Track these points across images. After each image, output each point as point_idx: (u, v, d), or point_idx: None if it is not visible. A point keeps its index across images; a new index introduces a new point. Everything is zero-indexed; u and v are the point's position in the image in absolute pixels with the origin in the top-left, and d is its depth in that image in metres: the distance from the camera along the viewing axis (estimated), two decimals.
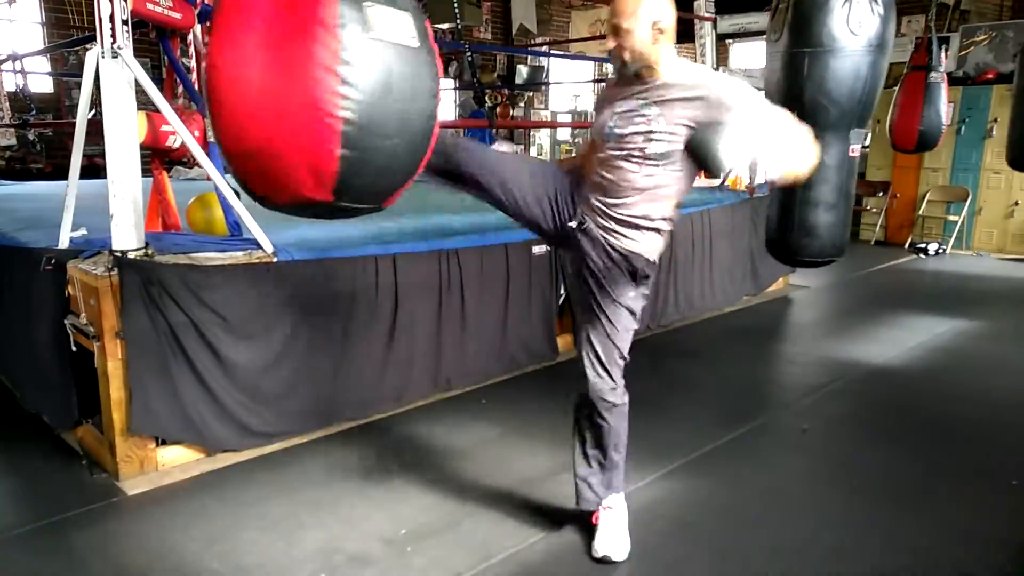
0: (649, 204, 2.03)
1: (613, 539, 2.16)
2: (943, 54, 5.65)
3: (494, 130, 8.52)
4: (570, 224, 2.09)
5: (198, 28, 3.02)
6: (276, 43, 1.55)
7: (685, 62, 2.02)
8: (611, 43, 1.95)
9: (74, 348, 2.70)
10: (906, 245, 7.68)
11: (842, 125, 2.61)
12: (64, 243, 2.85)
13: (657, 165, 1.98)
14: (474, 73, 4.35)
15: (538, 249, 3.78)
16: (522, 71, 11.90)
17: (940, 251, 7.45)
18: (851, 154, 2.68)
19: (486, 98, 7.85)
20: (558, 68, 11.83)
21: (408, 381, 3.31)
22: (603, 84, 2.27)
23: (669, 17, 1.92)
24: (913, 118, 5.32)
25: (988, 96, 7.33)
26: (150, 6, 2.67)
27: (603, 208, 2.05)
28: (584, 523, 2.27)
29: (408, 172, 1.74)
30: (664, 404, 3.26)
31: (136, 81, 2.55)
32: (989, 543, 2.28)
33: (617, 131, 2.00)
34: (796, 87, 2.59)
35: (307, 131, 1.56)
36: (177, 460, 2.71)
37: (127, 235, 2.57)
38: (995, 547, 2.26)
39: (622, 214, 2.04)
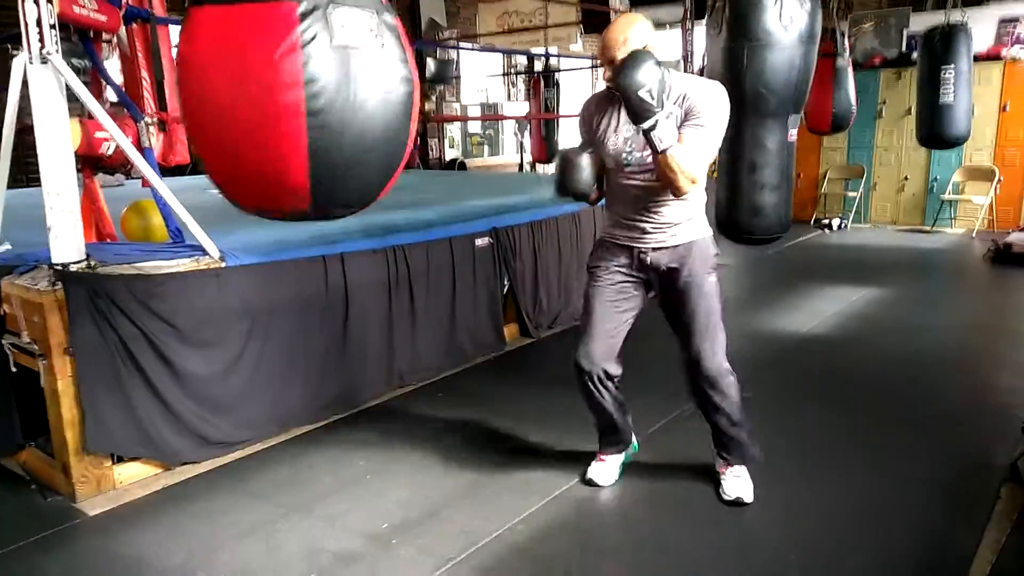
0: (684, 204, 2.24)
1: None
2: (846, 41, 6.06)
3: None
4: (654, 265, 2.31)
5: (123, 30, 2.92)
6: (240, 59, 1.55)
7: (680, 75, 2.21)
8: (608, 74, 2.11)
9: (13, 369, 2.57)
10: (811, 221, 8.16)
11: (780, 112, 2.80)
12: None
13: None
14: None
15: (481, 241, 3.84)
16: (430, 65, 11.87)
17: (842, 226, 7.96)
18: (789, 139, 2.88)
19: None
20: (467, 61, 11.86)
21: (362, 380, 3.31)
22: (587, 104, 2.39)
23: (653, 40, 2.13)
24: (826, 102, 5.69)
25: (877, 80, 7.87)
26: (76, 9, 2.57)
27: (652, 224, 2.27)
28: (560, 501, 2.36)
29: (384, 171, 1.76)
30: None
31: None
32: (921, 483, 2.51)
33: (637, 154, 2.20)
34: (737, 78, 2.76)
35: (274, 143, 1.57)
36: (135, 476, 2.63)
37: (67, 248, 2.47)
38: (929, 488, 2.49)
39: (672, 219, 2.25)
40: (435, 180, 6.62)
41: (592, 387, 2.40)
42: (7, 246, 2.83)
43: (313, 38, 1.52)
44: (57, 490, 2.55)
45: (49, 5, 2.37)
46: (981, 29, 7.45)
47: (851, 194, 8.07)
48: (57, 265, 2.44)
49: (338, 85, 1.56)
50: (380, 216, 3.71)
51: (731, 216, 3.04)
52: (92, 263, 2.51)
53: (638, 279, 2.36)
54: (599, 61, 2.13)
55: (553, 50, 10.40)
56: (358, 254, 3.25)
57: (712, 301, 2.31)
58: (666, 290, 2.35)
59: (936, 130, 5.68)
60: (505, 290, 4.05)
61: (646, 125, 2.02)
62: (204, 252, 2.76)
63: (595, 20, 8.96)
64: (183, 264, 2.69)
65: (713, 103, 2.14)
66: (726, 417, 2.42)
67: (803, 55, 2.71)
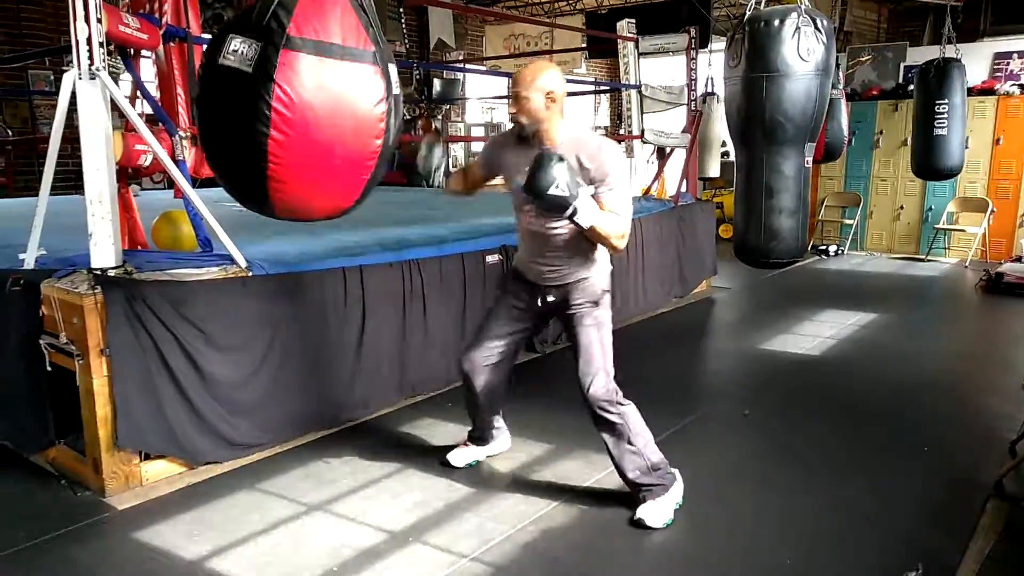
0: (579, 244, 2.41)
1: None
2: (840, 73, 6.26)
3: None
4: (545, 301, 2.53)
5: (161, 48, 3.07)
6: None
7: (576, 127, 2.41)
8: (512, 108, 2.34)
9: (49, 368, 2.69)
10: (809, 247, 8.33)
11: (798, 140, 2.93)
12: (30, 263, 2.83)
13: None
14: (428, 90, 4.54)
15: (492, 258, 3.98)
16: (436, 85, 12.08)
17: (839, 252, 8.14)
18: (806, 165, 3.02)
19: (404, 111, 8.02)
20: (473, 82, 12.08)
21: (375, 388, 3.43)
22: (493, 140, 2.60)
23: (560, 88, 2.31)
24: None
25: (874, 111, 8.09)
26: (122, 28, 2.72)
27: (548, 265, 2.47)
28: (570, 503, 2.49)
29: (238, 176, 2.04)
30: None
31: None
32: (913, 500, 2.64)
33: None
34: (757, 107, 2.91)
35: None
36: (161, 474, 2.75)
37: (107, 254, 2.61)
38: (919, 503, 2.62)
39: (566, 259, 2.45)
40: (442, 198, 6.76)
41: (467, 385, 2.70)
42: (42, 251, 2.97)
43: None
44: (87, 485, 2.66)
45: (99, 25, 2.53)
46: (976, 64, 7.69)
47: (848, 221, 8.26)
48: (96, 270, 2.58)
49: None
50: (395, 231, 3.86)
51: (749, 240, 3.17)
52: (129, 269, 2.65)
53: (533, 311, 2.59)
54: (511, 93, 2.36)
55: None
56: (375, 267, 3.39)
57: (595, 332, 2.46)
58: (560, 321, 2.60)
59: (930, 161, 5.87)
60: None
61: (567, 215, 2.19)
62: (232, 261, 2.90)
63: (601, 46, 9.17)
64: (212, 272, 2.83)
65: (614, 165, 2.32)
66: (620, 441, 2.46)
67: (819, 86, 2.86)
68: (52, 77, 7.16)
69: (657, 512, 2.42)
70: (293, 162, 1.90)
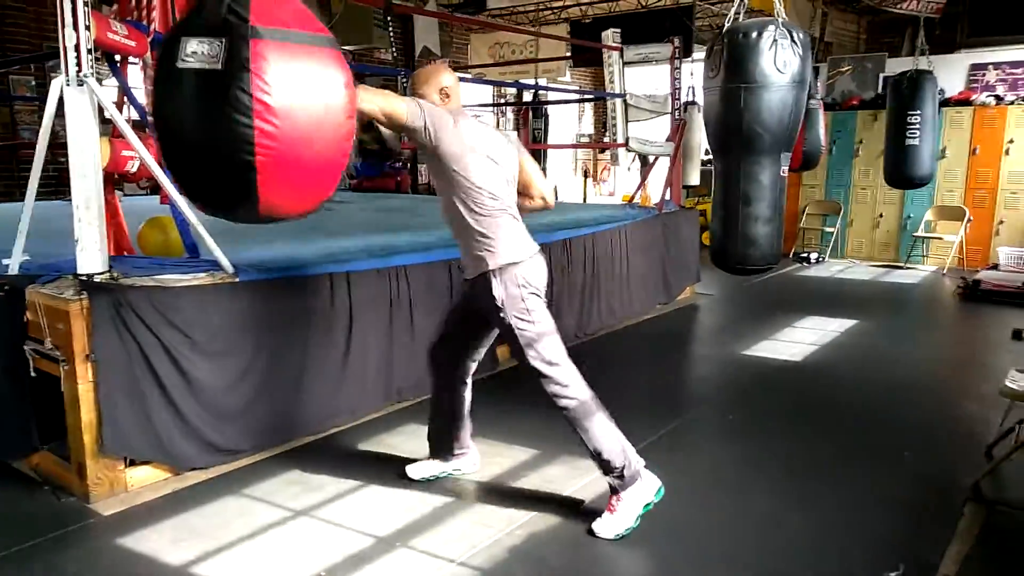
0: (461, 229, 2.45)
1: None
2: (818, 83, 6.36)
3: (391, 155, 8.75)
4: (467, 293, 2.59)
5: (149, 55, 3.07)
6: None
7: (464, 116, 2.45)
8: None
9: (33, 374, 2.67)
10: (790, 254, 8.44)
11: (775, 149, 2.99)
12: (15, 269, 2.82)
13: (444, 196, 2.45)
14: None
15: None
16: None
17: (820, 259, 8.24)
18: (782, 174, 3.07)
19: None
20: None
21: (363, 394, 3.44)
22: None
23: (451, 83, 2.48)
24: (797, 141, 5.95)
25: (854, 120, 8.21)
26: (110, 35, 2.73)
27: (459, 247, 2.54)
28: (557, 507, 2.52)
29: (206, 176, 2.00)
30: (608, 403, 3.54)
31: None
32: (893, 504, 2.69)
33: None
34: (735, 117, 2.96)
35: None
36: (146, 480, 2.74)
37: (93, 259, 2.60)
38: (899, 507, 2.67)
39: (460, 237, 2.48)
40: (427, 205, 6.78)
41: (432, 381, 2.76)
42: (26, 256, 2.95)
43: None
44: (71, 492, 2.65)
45: (87, 32, 2.53)
46: (952, 75, 7.85)
47: (828, 229, 8.36)
48: (82, 275, 2.57)
49: None
50: (382, 238, 3.88)
51: (726, 247, 3.21)
52: (115, 274, 2.64)
53: (469, 306, 2.63)
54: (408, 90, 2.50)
55: (543, 82, 10.67)
56: (363, 273, 3.40)
57: (518, 332, 2.42)
58: (488, 319, 2.55)
59: (902, 170, 5.99)
60: None
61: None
62: (219, 267, 2.90)
63: (585, 55, 9.25)
64: (199, 278, 2.83)
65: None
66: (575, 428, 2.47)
67: (795, 97, 2.92)
68: (33, 83, 7.12)
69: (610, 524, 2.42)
70: (280, 153, 1.87)
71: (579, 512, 2.59)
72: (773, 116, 2.91)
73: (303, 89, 1.89)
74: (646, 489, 2.47)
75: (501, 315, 2.42)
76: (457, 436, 2.80)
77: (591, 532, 2.41)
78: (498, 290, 2.39)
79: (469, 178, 2.37)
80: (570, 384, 2.44)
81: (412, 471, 2.82)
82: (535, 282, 2.46)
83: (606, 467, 2.45)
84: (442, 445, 2.82)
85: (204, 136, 1.89)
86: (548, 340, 2.44)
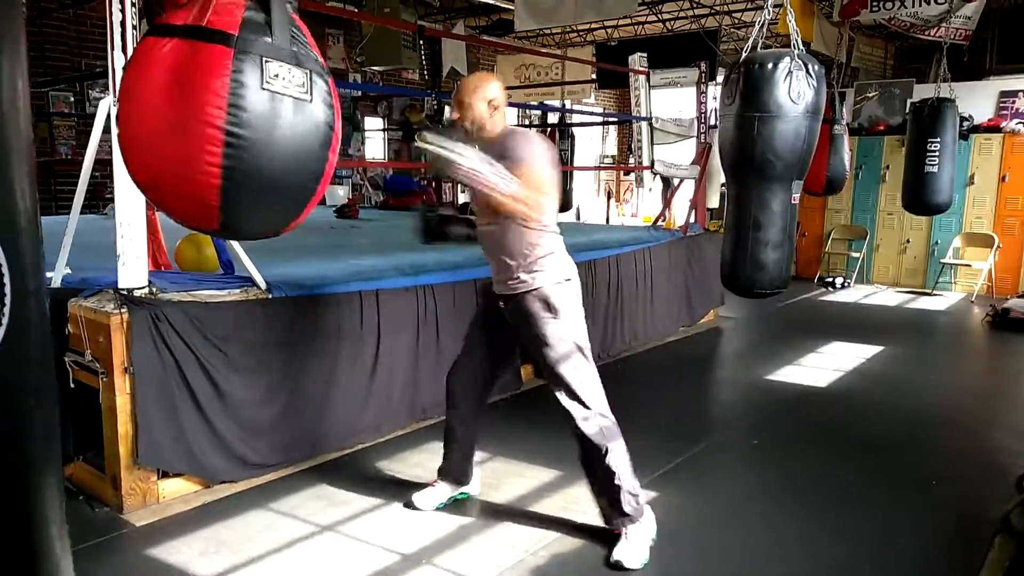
0: (516, 243, 2.42)
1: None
2: (843, 109, 6.36)
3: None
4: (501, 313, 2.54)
5: None
6: (173, 92, 1.73)
7: (512, 127, 2.49)
8: (455, 115, 2.43)
9: (72, 385, 2.74)
10: (815, 279, 8.39)
11: (786, 177, 3.03)
12: (57, 282, 2.90)
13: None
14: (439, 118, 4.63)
15: None
16: (447, 111, 12.27)
17: (845, 284, 8.18)
18: (792, 201, 3.11)
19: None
20: None
21: (388, 411, 3.48)
22: None
23: (500, 97, 2.42)
24: (821, 165, 5.97)
25: (881, 146, 8.19)
26: None
27: (498, 267, 2.50)
28: (581, 529, 2.53)
29: (292, 211, 1.97)
30: (628, 426, 3.54)
31: None
32: (921, 533, 2.66)
33: (474, 193, 2.44)
34: (749, 144, 3.01)
35: (189, 178, 1.76)
36: (177, 492, 2.79)
37: (134, 274, 2.67)
38: (928, 535, 2.65)
39: (509, 259, 2.45)
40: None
41: (448, 405, 2.73)
42: (67, 269, 3.04)
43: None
44: (105, 502, 2.70)
45: None
46: (982, 102, 7.81)
47: (854, 254, 8.31)
48: (123, 290, 2.65)
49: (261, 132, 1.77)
50: (410, 256, 3.93)
51: (736, 271, 3.26)
52: (154, 289, 2.71)
53: (498, 327, 2.59)
54: (454, 97, 2.48)
55: (567, 103, 10.76)
56: (391, 291, 3.46)
57: (555, 351, 2.41)
58: (522, 337, 2.53)
59: (920, 197, 5.95)
60: None
61: (444, 165, 2.22)
62: (253, 283, 2.97)
63: (611, 79, 9.33)
64: (234, 294, 2.90)
65: (524, 145, 2.36)
66: (593, 464, 2.45)
67: (808, 127, 2.97)
68: (72, 99, 7.33)
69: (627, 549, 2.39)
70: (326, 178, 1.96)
71: (603, 534, 2.59)
72: (786, 145, 2.96)
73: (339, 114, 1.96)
74: (650, 522, 2.49)
75: (548, 330, 2.41)
76: (471, 461, 2.80)
77: (615, 565, 2.36)
78: (557, 300, 2.41)
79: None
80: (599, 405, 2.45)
81: (421, 502, 2.74)
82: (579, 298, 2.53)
83: (616, 494, 2.42)
84: (457, 470, 2.79)
85: (293, 165, 1.84)
86: (585, 358, 2.45)
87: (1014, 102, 7.91)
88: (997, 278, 7.54)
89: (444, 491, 2.78)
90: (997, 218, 7.60)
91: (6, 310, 0.89)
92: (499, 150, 2.36)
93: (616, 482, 2.41)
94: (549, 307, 2.41)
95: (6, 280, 0.89)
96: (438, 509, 2.74)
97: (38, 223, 0.98)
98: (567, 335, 2.42)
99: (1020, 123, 7.56)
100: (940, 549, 2.57)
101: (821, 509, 2.83)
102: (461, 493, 2.82)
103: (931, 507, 2.88)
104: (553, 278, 2.43)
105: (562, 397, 2.43)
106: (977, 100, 7.68)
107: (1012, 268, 7.54)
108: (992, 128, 7.63)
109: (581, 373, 2.42)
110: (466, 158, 2.22)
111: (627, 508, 2.42)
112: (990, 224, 7.63)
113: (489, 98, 2.41)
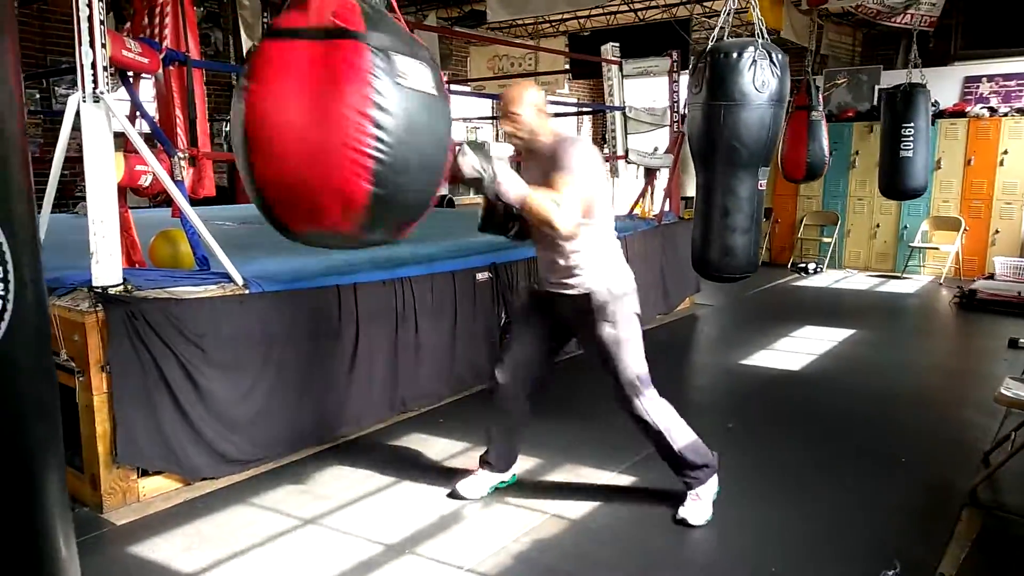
0: (575, 255, 2.49)
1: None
2: (819, 95, 6.45)
3: None
4: (555, 310, 2.61)
5: (160, 71, 3.14)
6: (315, 90, 1.74)
7: (564, 135, 2.51)
8: (507, 127, 2.46)
9: None
10: (788, 265, 8.51)
11: (752, 164, 3.10)
12: None
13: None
14: None
15: (482, 276, 4.07)
16: None
17: (818, 269, 8.31)
18: (759, 188, 3.17)
19: None
20: (457, 103, 12.20)
21: (368, 404, 3.49)
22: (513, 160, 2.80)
23: (540, 99, 2.47)
24: (801, 152, 6.06)
25: (850, 132, 8.31)
26: (124, 52, 2.79)
27: (552, 268, 2.55)
28: (561, 515, 2.57)
29: (423, 206, 1.98)
30: (607, 414, 3.58)
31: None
32: (892, 509, 2.74)
33: None
34: (715, 132, 3.08)
35: (340, 168, 1.75)
36: (158, 489, 2.78)
37: (108, 272, 2.66)
38: (897, 512, 2.72)
39: (564, 262, 2.50)
40: (431, 217, 6.84)
41: (497, 402, 2.76)
42: None
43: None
44: (84, 502, 2.69)
45: (103, 49, 2.60)
46: (947, 87, 7.96)
47: (826, 240, 8.44)
48: (98, 288, 2.63)
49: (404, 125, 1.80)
50: (387, 249, 3.93)
51: (704, 256, 3.35)
52: (129, 287, 2.70)
53: (548, 324, 2.67)
54: (500, 112, 2.51)
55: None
56: (369, 285, 3.46)
57: (614, 346, 2.52)
58: (576, 333, 2.66)
59: (896, 182, 6.07)
60: (503, 322, 4.26)
61: (487, 190, 2.28)
62: (229, 279, 2.96)
63: (584, 68, 9.35)
64: (210, 290, 2.88)
65: (572, 156, 2.38)
66: (654, 441, 2.63)
67: (773, 115, 3.05)
68: (37, 96, 7.19)
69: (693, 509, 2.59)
70: None
71: (584, 520, 2.64)
72: (751, 133, 3.03)
73: None
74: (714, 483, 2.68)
75: (598, 331, 2.52)
76: (516, 450, 2.86)
77: (681, 521, 2.56)
78: (606, 304, 2.51)
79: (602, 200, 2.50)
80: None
81: (466, 491, 2.77)
82: None
83: (683, 463, 2.60)
84: (501, 459, 2.82)
85: (431, 154, 1.87)
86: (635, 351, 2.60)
87: (978, 87, 8.07)
88: (964, 260, 7.71)
89: (488, 479, 2.81)
90: (963, 202, 7.76)
91: (10, 296, 0.93)
92: (550, 158, 2.40)
93: (673, 449, 2.60)
94: (598, 309, 2.50)
95: (10, 268, 0.93)
96: (482, 497, 2.78)
97: (34, 212, 1.02)
98: (626, 331, 2.54)
99: (984, 108, 7.72)
100: (910, 523, 2.64)
101: (792, 488, 2.90)
102: (502, 482, 2.85)
103: (901, 483, 2.96)
104: (612, 279, 2.52)
105: (617, 376, 2.55)
106: (943, 86, 7.82)
107: (978, 250, 7.71)
108: (957, 113, 7.78)
109: (631, 361, 2.55)
110: (505, 177, 2.27)
111: (691, 475, 2.61)
112: (957, 208, 7.79)
113: (536, 104, 2.44)
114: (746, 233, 3.25)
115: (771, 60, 2.99)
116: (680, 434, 2.61)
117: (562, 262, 2.51)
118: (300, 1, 1.78)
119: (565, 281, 2.53)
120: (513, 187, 2.29)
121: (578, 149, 2.42)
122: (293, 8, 1.80)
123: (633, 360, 2.55)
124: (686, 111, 3.44)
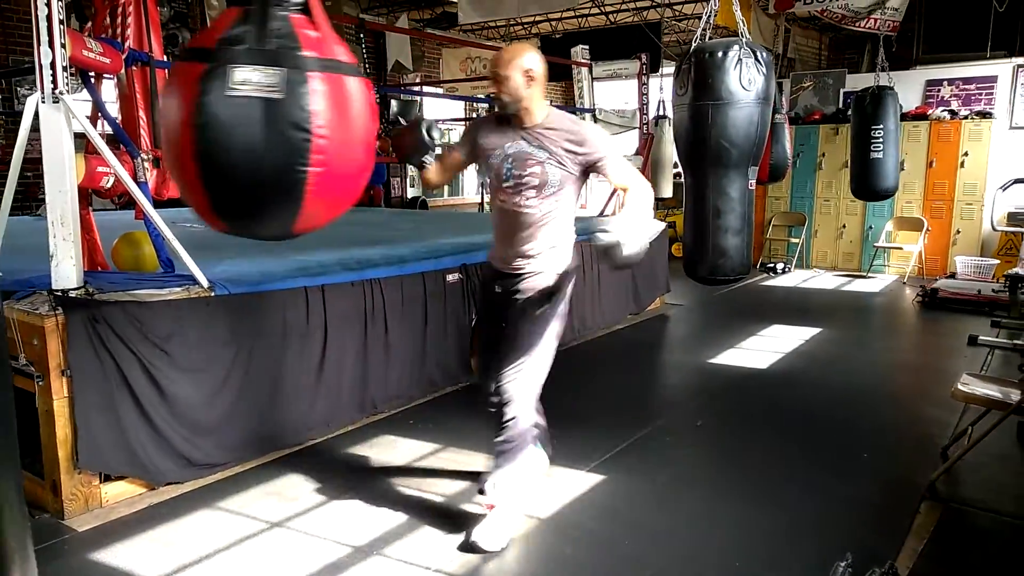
0: (548, 230, 2.44)
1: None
2: (784, 98, 6.54)
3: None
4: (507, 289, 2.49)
5: (123, 71, 3.10)
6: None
7: (555, 109, 2.48)
8: (492, 88, 2.39)
9: None
10: (757, 265, 8.62)
11: (742, 164, 3.09)
12: None
13: (550, 197, 2.39)
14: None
15: (452, 277, 4.07)
16: (393, 105, 12.18)
17: (786, 269, 8.43)
18: (750, 187, 3.18)
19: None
20: (430, 104, 12.18)
21: (338, 406, 3.47)
22: (477, 121, 2.72)
23: (539, 68, 2.35)
24: (764, 154, 6.13)
25: (816, 134, 8.45)
26: (85, 52, 2.75)
27: (519, 244, 2.44)
28: (532, 516, 2.58)
29: (268, 196, 1.89)
30: (578, 412, 3.62)
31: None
32: (852, 501, 2.79)
33: (516, 172, 2.39)
34: (703, 133, 3.07)
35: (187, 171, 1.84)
36: (121, 495, 2.74)
37: (68, 275, 2.62)
38: (858, 505, 2.77)
39: (536, 240, 2.43)
40: (402, 218, 6.85)
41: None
42: None
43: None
44: (44, 508, 2.64)
45: (63, 49, 2.56)
46: (910, 90, 8.11)
47: (794, 240, 8.57)
48: (57, 291, 2.59)
49: None
50: (357, 251, 3.92)
51: (698, 259, 3.29)
52: (90, 290, 2.66)
53: (506, 311, 2.52)
54: (488, 73, 2.43)
55: None
56: (337, 286, 3.44)
57: (536, 335, 2.42)
58: (505, 312, 2.51)
59: (867, 183, 6.18)
60: (473, 323, 4.26)
61: (639, 249, 2.18)
62: (194, 281, 2.93)
63: (555, 70, 9.39)
64: (175, 292, 2.85)
65: (599, 138, 2.41)
66: (507, 440, 2.49)
67: (760, 113, 3.04)
68: None
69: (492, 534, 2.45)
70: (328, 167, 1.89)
71: (553, 518, 2.65)
72: (740, 132, 3.03)
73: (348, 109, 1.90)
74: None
75: (540, 312, 2.43)
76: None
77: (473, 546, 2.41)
78: (565, 284, 2.48)
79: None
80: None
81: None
82: None
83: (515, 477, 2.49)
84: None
85: (263, 155, 1.82)
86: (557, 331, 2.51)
87: (939, 91, 8.25)
88: (927, 260, 7.88)
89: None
90: (926, 203, 7.93)
91: None
92: (565, 137, 2.35)
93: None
94: (553, 288, 2.45)
95: None
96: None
97: None
98: (551, 323, 2.46)
99: (945, 111, 7.89)
100: (870, 516, 2.70)
101: (757, 484, 2.94)
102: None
103: (862, 477, 3.02)
104: (567, 261, 2.50)
105: (511, 376, 2.41)
106: (905, 89, 7.95)
107: (940, 250, 7.88)
108: (919, 116, 7.95)
109: (538, 361, 2.44)
110: (635, 233, 2.17)
111: (509, 496, 2.49)
112: (919, 208, 7.96)
113: (525, 68, 2.31)
114: (739, 234, 3.23)
115: (756, 58, 3.00)
116: (527, 454, 2.53)
117: (533, 235, 2.43)
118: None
119: (529, 254, 2.44)
120: (643, 221, 2.24)
121: (589, 129, 2.44)
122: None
123: (548, 350, 2.45)
124: (669, 113, 3.44)
